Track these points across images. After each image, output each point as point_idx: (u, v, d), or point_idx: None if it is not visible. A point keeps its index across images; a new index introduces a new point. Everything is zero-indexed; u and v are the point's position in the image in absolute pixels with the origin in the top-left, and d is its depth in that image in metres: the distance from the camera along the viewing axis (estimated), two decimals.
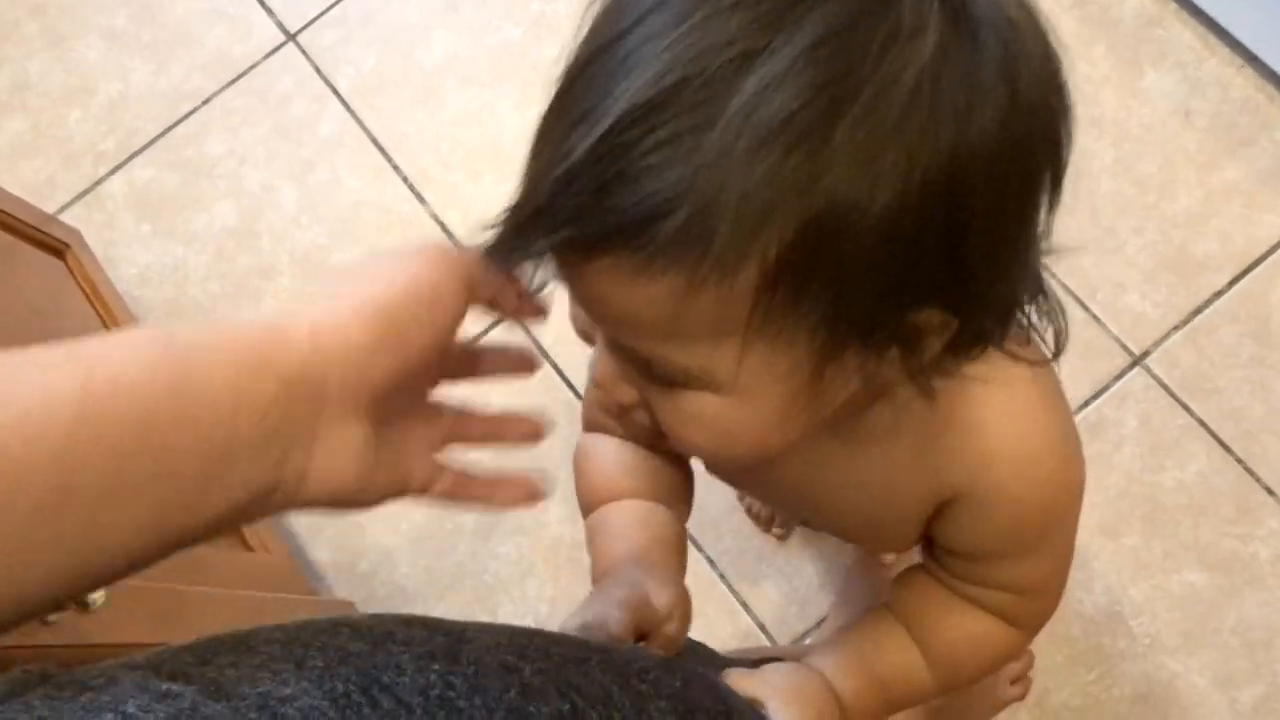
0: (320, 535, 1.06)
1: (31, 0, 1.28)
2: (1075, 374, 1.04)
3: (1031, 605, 0.51)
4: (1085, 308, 1.05)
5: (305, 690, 0.27)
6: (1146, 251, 1.06)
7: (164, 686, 0.27)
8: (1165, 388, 1.03)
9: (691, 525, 0.61)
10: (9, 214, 0.90)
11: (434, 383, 0.43)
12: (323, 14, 1.25)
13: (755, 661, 0.52)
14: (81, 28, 1.26)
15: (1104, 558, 0.99)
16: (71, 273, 0.96)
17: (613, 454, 0.57)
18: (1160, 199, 1.07)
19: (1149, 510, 1.00)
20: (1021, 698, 0.97)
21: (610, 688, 0.35)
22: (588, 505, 0.57)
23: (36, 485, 0.28)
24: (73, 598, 0.31)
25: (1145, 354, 1.04)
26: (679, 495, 0.58)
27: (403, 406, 0.40)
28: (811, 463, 0.47)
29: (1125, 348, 1.04)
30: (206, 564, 0.74)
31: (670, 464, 0.58)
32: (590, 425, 0.59)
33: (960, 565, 0.50)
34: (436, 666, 0.31)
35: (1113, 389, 1.03)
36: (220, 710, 0.26)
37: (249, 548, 0.87)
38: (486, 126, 1.20)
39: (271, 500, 0.35)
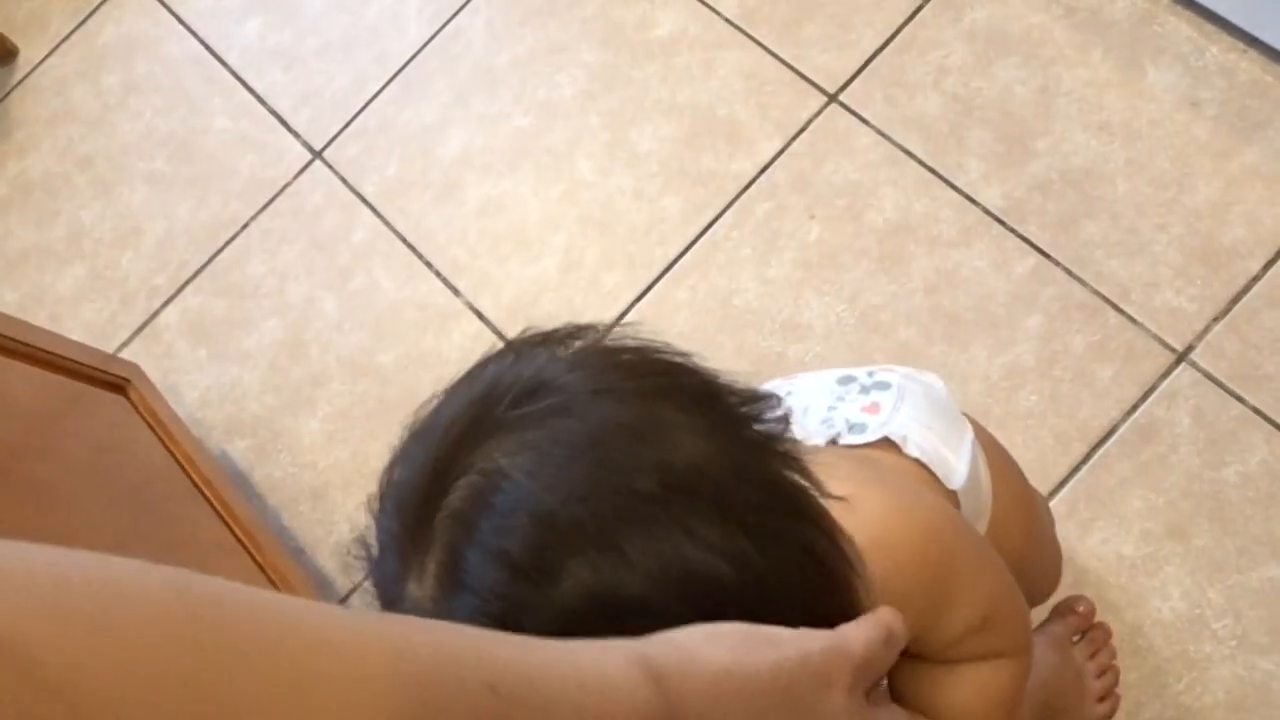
0: None
1: (78, 154, 1.37)
2: (1120, 378, 1.03)
3: (1000, 631, 0.51)
4: (1120, 310, 1.05)
5: None
6: (1174, 247, 1.05)
7: None
8: (1214, 380, 1.01)
9: None
10: (72, 359, 0.96)
11: None
12: (344, 128, 1.32)
13: None
14: (125, 174, 1.34)
15: (1175, 562, 0.97)
16: (134, 406, 1.01)
17: None
18: (1179, 193, 1.07)
19: (1215, 508, 0.97)
20: (1111, 715, 0.94)
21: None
22: None
23: None
24: None
25: (1189, 349, 1.02)
26: None
27: None
28: None
29: (1167, 345, 1.03)
30: None
31: None
32: None
33: (918, 644, 0.50)
34: None
35: (1160, 388, 1.02)
36: None
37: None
38: (508, 211, 1.24)
39: None
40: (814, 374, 0.69)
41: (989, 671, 0.51)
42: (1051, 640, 0.94)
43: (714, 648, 0.33)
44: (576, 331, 0.40)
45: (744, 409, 0.39)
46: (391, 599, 0.36)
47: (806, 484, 0.39)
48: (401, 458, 0.39)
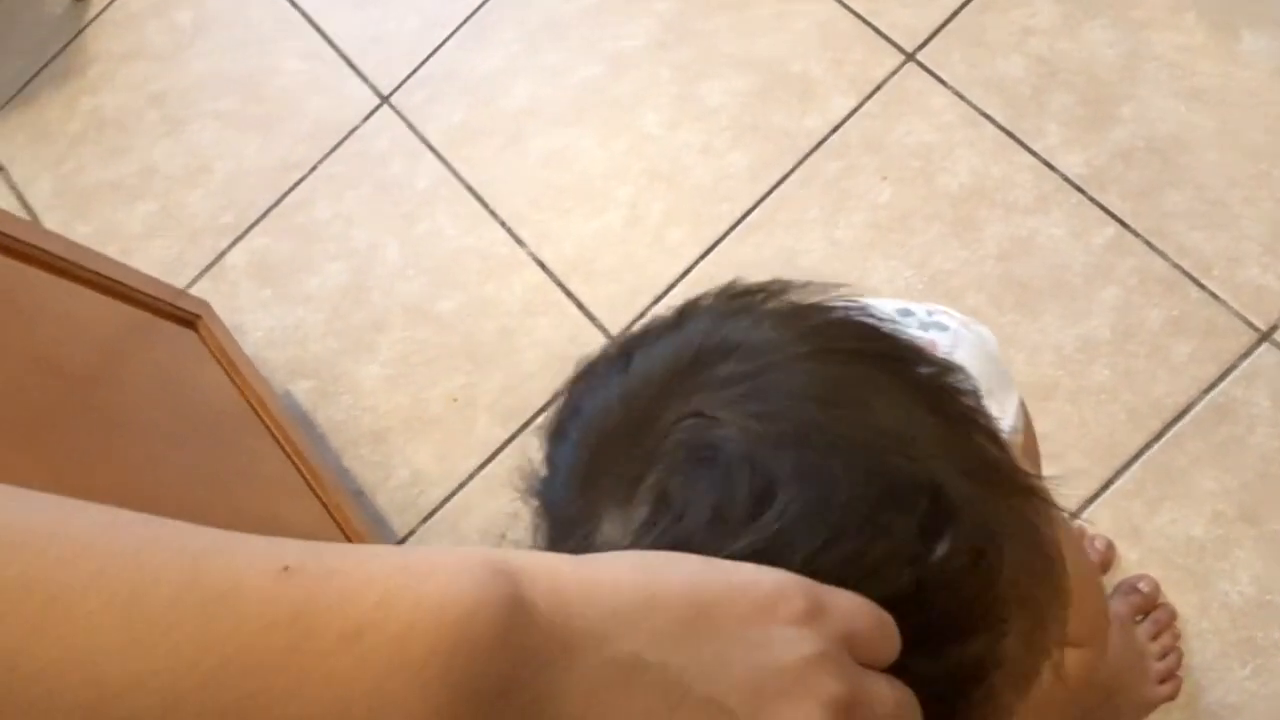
0: None
1: (150, 91, 1.38)
2: (1198, 356, 1.00)
3: (1078, 617, 0.50)
4: (1202, 286, 1.01)
5: None
6: (1262, 221, 1.01)
7: None
8: None
9: None
10: (143, 291, 0.97)
11: None
12: (412, 74, 1.31)
13: None
14: (195, 112, 1.35)
15: (1247, 545, 0.94)
16: (204, 342, 1.03)
17: None
18: (1272, 165, 1.02)
19: None
20: (1172, 697, 0.92)
21: None
22: None
23: None
24: None
25: (1273, 328, 0.99)
26: None
27: None
28: None
29: (1249, 324, 0.99)
30: None
31: None
32: None
33: None
34: None
35: (1240, 368, 0.99)
36: None
37: None
38: (572, 163, 1.23)
39: None
40: (875, 299, 0.68)
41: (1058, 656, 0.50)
42: (1114, 620, 0.93)
43: (612, 561, 0.28)
44: (781, 288, 0.38)
45: (945, 380, 0.37)
46: (574, 533, 0.34)
47: (1009, 461, 0.37)
48: (589, 392, 0.37)
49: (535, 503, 0.37)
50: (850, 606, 0.29)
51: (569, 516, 0.35)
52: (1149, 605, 0.93)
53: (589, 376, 0.38)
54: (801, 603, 0.28)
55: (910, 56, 1.17)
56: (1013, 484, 0.36)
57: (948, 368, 0.38)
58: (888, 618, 0.29)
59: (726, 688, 0.26)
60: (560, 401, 0.39)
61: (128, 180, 1.34)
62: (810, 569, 0.29)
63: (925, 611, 0.31)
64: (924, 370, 0.37)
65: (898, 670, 0.29)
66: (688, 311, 0.39)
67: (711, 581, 0.28)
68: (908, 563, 0.31)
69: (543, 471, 0.38)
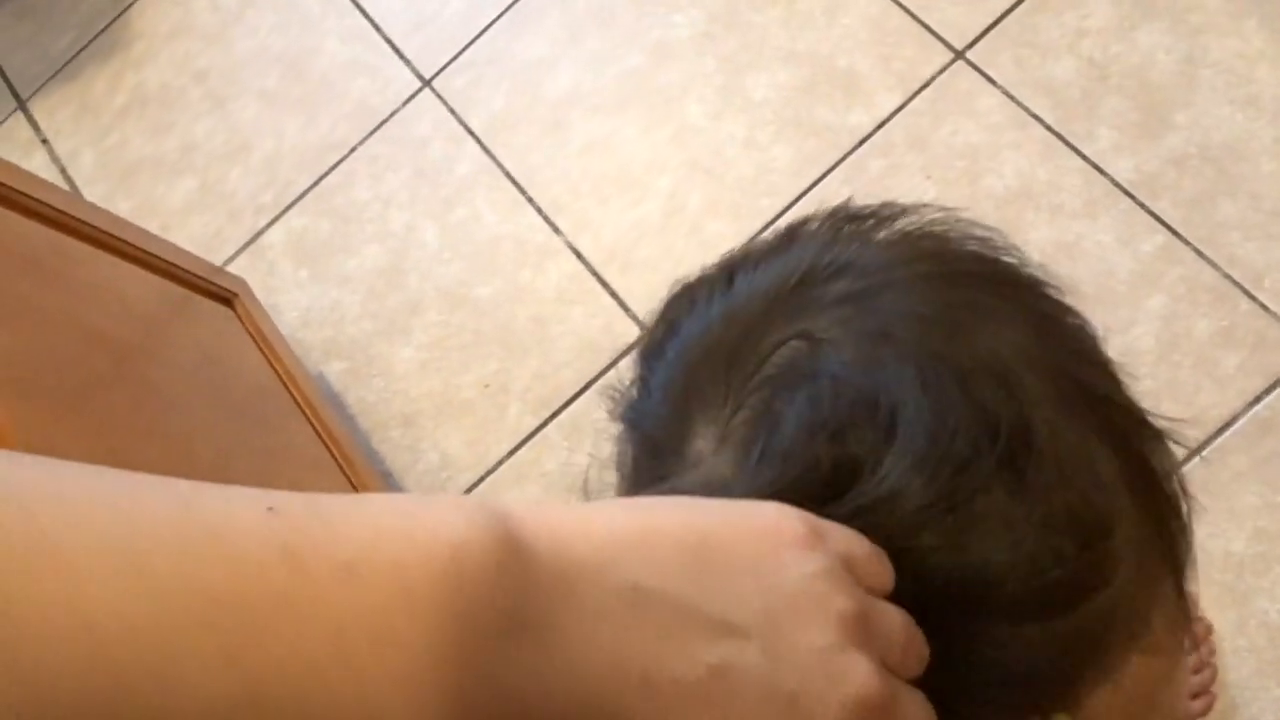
0: None
1: (194, 68, 1.38)
2: (1245, 368, 0.98)
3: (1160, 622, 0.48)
4: (1252, 297, 0.99)
5: None
6: None
7: None
8: None
9: None
10: (182, 268, 0.97)
11: None
12: (455, 58, 1.31)
13: None
14: (238, 90, 1.36)
15: None
16: (240, 319, 1.03)
17: None
18: None
19: None
20: (1205, 713, 0.91)
21: None
22: None
23: None
24: None
25: None
26: None
27: None
28: None
29: None
30: None
31: None
32: None
33: None
34: None
35: None
36: None
37: None
38: (613, 152, 1.22)
39: None
40: None
41: (1135, 664, 0.49)
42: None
43: (605, 503, 0.28)
44: (894, 213, 0.37)
45: (1063, 312, 0.36)
46: (665, 453, 0.33)
47: (1124, 396, 0.36)
48: (688, 313, 0.36)
49: (623, 428, 0.36)
50: (847, 534, 0.29)
51: (662, 437, 0.34)
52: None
53: (687, 297, 0.37)
54: (802, 528, 0.28)
55: (960, 55, 1.15)
56: (1128, 419, 0.35)
57: (1065, 301, 0.36)
58: (880, 549, 0.29)
59: (737, 607, 0.26)
60: (656, 323, 0.37)
61: (169, 156, 1.35)
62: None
63: (1039, 572, 0.30)
64: (1043, 300, 0.36)
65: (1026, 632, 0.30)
66: (794, 232, 0.37)
67: (710, 513, 0.28)
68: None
69: (634, 393, 0.36)
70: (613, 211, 1.20)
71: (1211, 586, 0.94)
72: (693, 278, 0.38)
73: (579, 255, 1.19)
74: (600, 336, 1.14)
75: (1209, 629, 0.92)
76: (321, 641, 0.22)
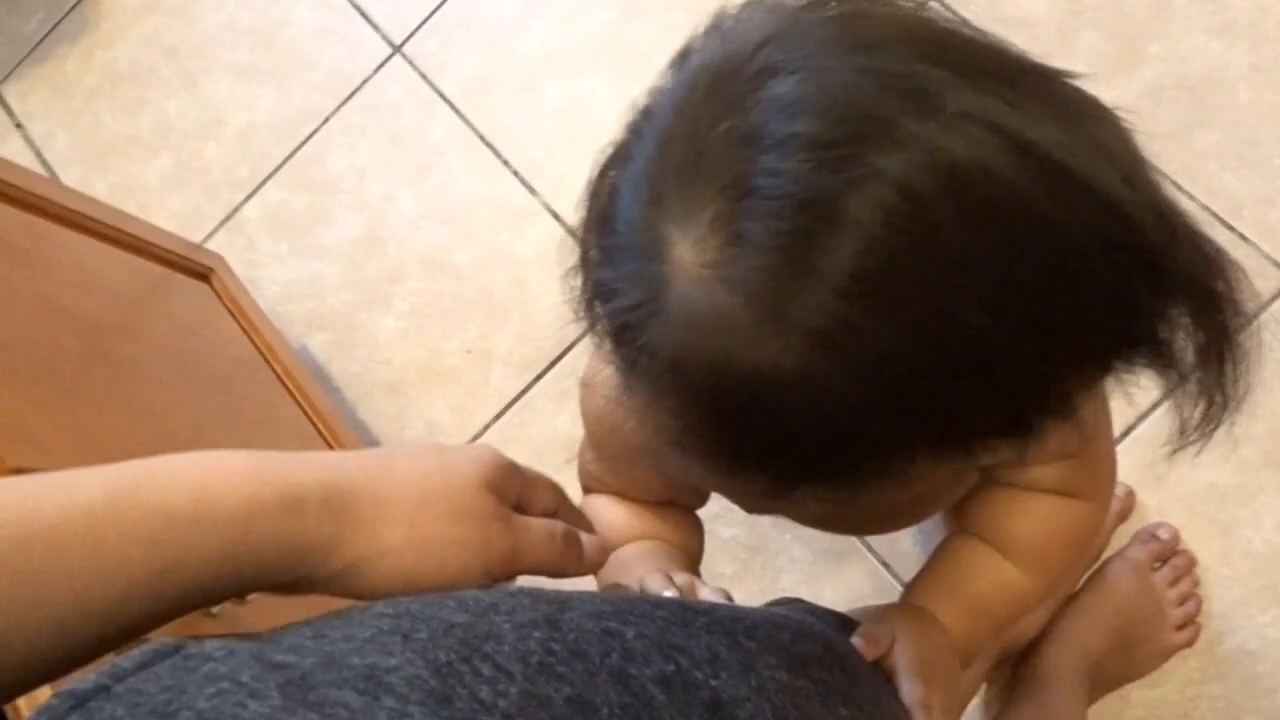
0: None
1: (163, 44, 1.37)
2: None
3: (1086, 469, 0.49)
4: (1231, 228, 0.99)
5: (409, 660, 0.29)
6: None
7: (278, 658, 0.29)
8: None
9: None
10: (157, 245, 0.97)
11: None
12: (424, 22, 1.30)
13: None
14: (209, 64, 1.35)
15: (1270, 491, 0.93)
16: (218, 295, 1.03)
17: (617, 509, 0.58)
18: None
19: None
20: (1190, 643, 0.92)
21: (717, 647, 0.35)
22: None
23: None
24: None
25: None
26: (689, 542, 0.59)
27: None
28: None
29: (1278, 265, 0.97)
30: None
31: (676, 515, 0.59)
32: (589, 489, 0.60)
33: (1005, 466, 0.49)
34: (537, 634, 0.32)
35: (1270, 310, 0.96)
36: (329, 679, 0.28)
37: None
38: (587, 111, 1.21)
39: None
40: None
41: (1061, 506, 0.50)
42: (1131, 566, 0.92)
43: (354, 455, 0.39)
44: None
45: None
46: (648, 279, 0.33)
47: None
48: (625, 161, 0.36)
49: (592, 306, 0.38)
50: (534, 474, 0.43)
51: (635, 244, 0.34)
52: (1168, 552, 0.92)
53: (617, 154, 0.37)
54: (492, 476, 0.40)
55: None
56: (1092, 115, 0.35)
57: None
58: (546, 479, 0.44)
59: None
60: (592, 195, 0.38)
61: (143, 135, 1.34)
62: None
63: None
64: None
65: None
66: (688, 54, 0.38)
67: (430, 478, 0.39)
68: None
69: (594, 260, 0.37)
70: (589, 171, 1.19)
71: (1196, 519, 0.94)
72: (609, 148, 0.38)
73: (557, 217, 1.19)
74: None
75: (1191, 561, 0.93)
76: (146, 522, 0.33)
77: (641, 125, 0.36)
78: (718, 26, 0.37)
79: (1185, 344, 0.35)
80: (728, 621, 0.38)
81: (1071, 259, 0.31)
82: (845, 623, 0.49)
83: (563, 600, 0.35)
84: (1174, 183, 1.01)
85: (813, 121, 0.30)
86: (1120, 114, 0.35)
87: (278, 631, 0.32)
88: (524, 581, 0.40)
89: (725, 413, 0.33)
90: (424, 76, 1.27)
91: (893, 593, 1.00)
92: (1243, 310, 0.36)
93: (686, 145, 0.33)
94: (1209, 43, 1.04)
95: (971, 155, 0.30)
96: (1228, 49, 1.03)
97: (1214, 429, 0.38)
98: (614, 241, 0.35)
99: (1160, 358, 0.35)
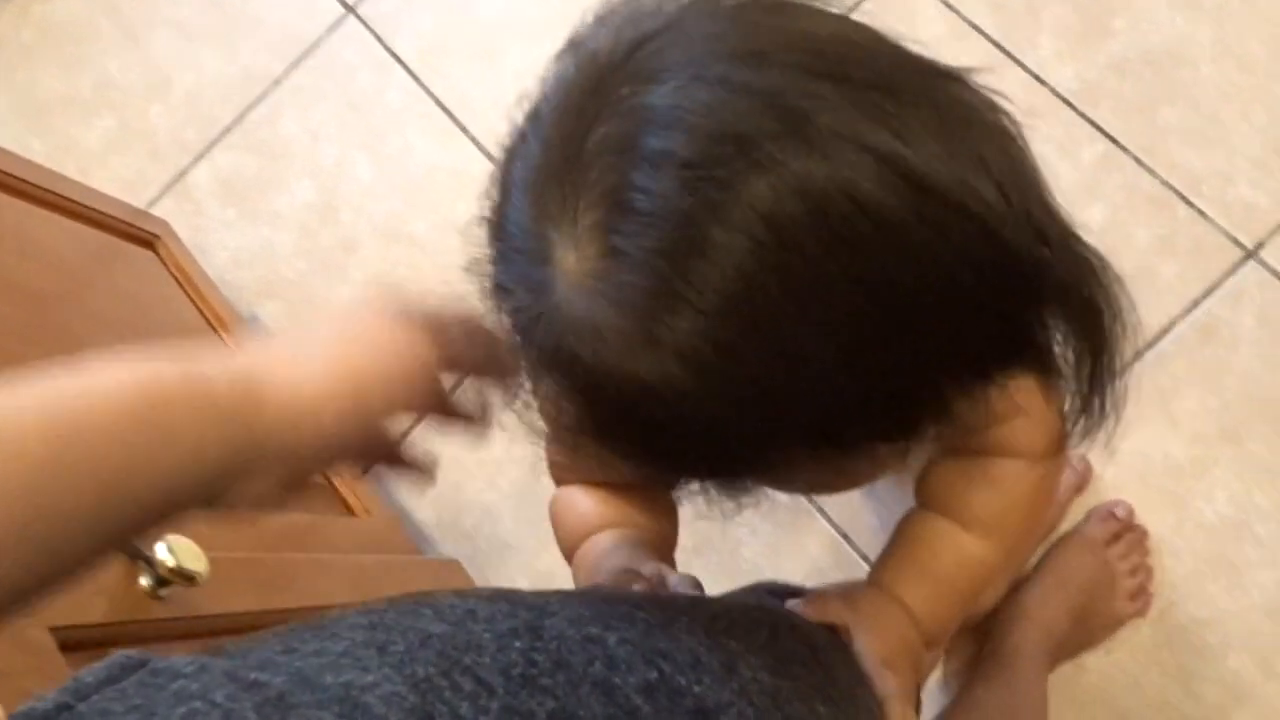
0: (423, 495, 1.09)
1: (103, 0, 1.32)
2: (1184, 274, 0.98)
3: (1032, 426, 0.50)
4: (1190, 203, 0.99)
5: (386, 677, 0.28)
6: (1256, 137, 0.99)
7: (251, 676, 0.28)
8: None
9: None
10: (102, 212, 0.93)
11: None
12: None
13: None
14: (152, 21, 1.29)
15: (1224, 465, 0.94)
16: (163, 262, 0.99)
17: (589, 499, 0.58)
18: (1269, 79, 1.00)
19: (1272, 411, 0.94)
20: (1142, 614, 0.93)
21: (699, 650, 0.35)
22: (571, 547, 0.58)
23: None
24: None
25: (1259, 246, 0.97)
26: (662, 524, 0.59)
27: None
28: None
29: (1236, 241, 0.98)
30: (313, 531, 0.76)
31: (648, 498, 0.58)
32: (560, 480, 0.60)
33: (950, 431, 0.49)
34: (519, 643, 0.31)
35: (1225, 286, 0.97)
36: (307, 700, 0.27)
37: (353, 513, 0.89)
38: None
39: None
40: None
41: (1011, 468, 0.51)
42: (1086, 543, 0.93)
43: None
44: None
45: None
46: (535, 283, 0.34)
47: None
48: (512, 164, 0.37)
49: (493, 297, 0.38)
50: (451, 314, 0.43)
51: (524, 247, 0.35)
52: (1123, 530, 0.94)
53: (508, 157, 0.38)
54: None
55: None
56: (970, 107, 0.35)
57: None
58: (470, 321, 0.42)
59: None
60: (492, 196, 0.38)
61: (83, 94, 1.29)
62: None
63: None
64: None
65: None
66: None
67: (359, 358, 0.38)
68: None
69: (492, 265, 0.38)
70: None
71: (1150, 491, 0.96)
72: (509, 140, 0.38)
73: None
74: None
75: (1144, 534, 0.94)
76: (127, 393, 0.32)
77: (531, 120, 0.37)
78: (604, 17, 0.37)
79: (1065, 351, 0.36)
80: (708, 621, 0.37)
81: (940, 279, 0.31)
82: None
83: (542, 605, 0.34)
84: (1136, 158, 1.01)
85: (683, 139, 0.31)
86: (1012, 111, 0.35)
87: (244, 644, 0.31)
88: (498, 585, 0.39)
89: (606, 410, 0.35)
90: (379, 39, 1.24)
91: (853, 564, 1.00)
92: (1124, 317, 0.37)
93: (566, 149, 0.33)
94: (1173, 17, 1.04)
95: (838, 180, 0.30)
96: (1192, 25, 1.03)
97: (1094, 431, 0.40)
98: (505, 243, 0.36)
99: (1039, 365, 0.36)
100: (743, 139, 0.30)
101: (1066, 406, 0.38)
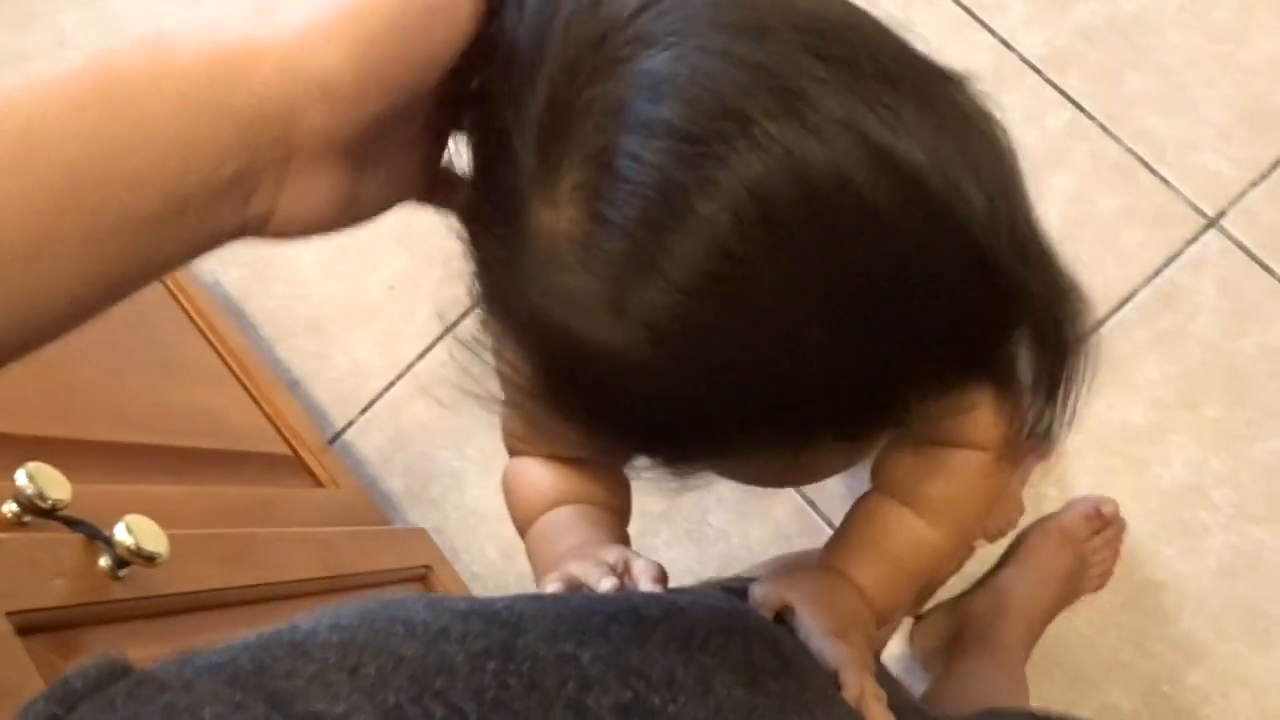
0: (390, 464, 1.09)
1: None
2: (1146, 241, 0.99)
3: (989, 418, 0.50)
4: (1154, 171, 1.00)
5: (357, 705, 0.28)
6: (1220, 105, 0.99)
7: (237, 696, 0.27)
8: (1244, 249, 0.97)
9: None
10: None
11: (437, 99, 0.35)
12: None
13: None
14: None
15: (1181, 430, 0.96)
16: None
17: (543, 472, 0.57)
18: (1236, 47, 1.00)
19: (1230, 378, 0.96)
20: (1097, 590, 0.96)
21: (674, 667, 0.34)
22: (525, 522, 0.58)
23: None
24: (16, 353, 0.29)
25: (1221, 214, 0.98)
26: (618, 499, 0.59)
27: (397, 135, 0.35)
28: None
29: (1198, 210, 0.98)
30: (278, 504, 0.76)
31: (605, 475, 0.58)
32: (515, 450, 0.59)
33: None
34: (492, 665, 0.31)
35: (1186, 254, 0.98)
36: None
37: (320, 484, 0.89)
38: None
39: (238, 237, 0.33)
40: None
41: (966, 459, 0.52)
42: (1069, 539, 0.94)
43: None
44: None
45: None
46: (505, 235, 0.32)
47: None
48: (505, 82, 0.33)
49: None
50: None
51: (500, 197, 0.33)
52: (1105, 527, 0.95)
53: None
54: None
55: None
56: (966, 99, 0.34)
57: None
58: None
59: None
60: None
61: (37, 50, 1.25)
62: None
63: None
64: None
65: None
66: None
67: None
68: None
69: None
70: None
71: (1110, 457, 0.97)
72: None
73: None
74: None
75: (1121, 528, 0.96)
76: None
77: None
78: None
79: (1025, 366, 0.36)
80: (683, 634, 0.37)
81: (918, 277, 0.31)
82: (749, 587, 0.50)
83: (515, 621, 0.34)
84: (1102, 126, 1.01)
85: (677, 108, 0.30)
86: (1005, 123, 0.34)
87: (220, 658, 0.30)
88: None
89: (568, 377, 0.34)
90: None
91: (818, 530, 1.01)
92: (1084, 340, 0.37)
93: (554, 101, 0.31)
94: None
95: (830, 164, 0.29)
96: None
97: (1045, 443, 0.39)
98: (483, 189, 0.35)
99: (1001, 379, 0.36)
100: (738, 114, 0.29)
101: (1023, 409, 0.39)
